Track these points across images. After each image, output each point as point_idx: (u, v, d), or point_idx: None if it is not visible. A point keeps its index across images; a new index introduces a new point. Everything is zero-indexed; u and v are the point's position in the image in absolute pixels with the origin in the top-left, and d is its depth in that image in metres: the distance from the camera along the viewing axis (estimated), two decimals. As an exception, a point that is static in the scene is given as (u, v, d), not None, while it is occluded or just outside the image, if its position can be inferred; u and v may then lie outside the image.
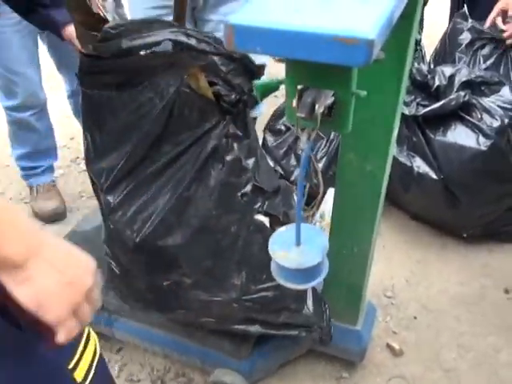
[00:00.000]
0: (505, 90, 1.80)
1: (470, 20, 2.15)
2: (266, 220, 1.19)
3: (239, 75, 1.03)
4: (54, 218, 2.21)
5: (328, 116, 0.63)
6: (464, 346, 1.66)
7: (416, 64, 1.95)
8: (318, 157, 1.91)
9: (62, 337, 0.60)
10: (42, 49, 2.07)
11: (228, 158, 1.12)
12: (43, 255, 0.58)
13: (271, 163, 1.86)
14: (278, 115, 2.01)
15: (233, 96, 1.04)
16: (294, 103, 0.60)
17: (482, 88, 1.84)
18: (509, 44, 2.04)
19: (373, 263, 1.38)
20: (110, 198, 1.18)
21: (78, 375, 0.83)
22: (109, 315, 1.55)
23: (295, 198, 1.31)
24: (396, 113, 1.03)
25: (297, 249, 0.79)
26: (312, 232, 0.82)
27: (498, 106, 1.77)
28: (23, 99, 2.00)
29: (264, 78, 1.08)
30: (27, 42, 1.90)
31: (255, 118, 1.90)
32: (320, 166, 1.87)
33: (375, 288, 1.81)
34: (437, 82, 1.87)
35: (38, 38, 2.01)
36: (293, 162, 1.85)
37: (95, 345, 0.93)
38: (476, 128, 1.76)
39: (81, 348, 0.87)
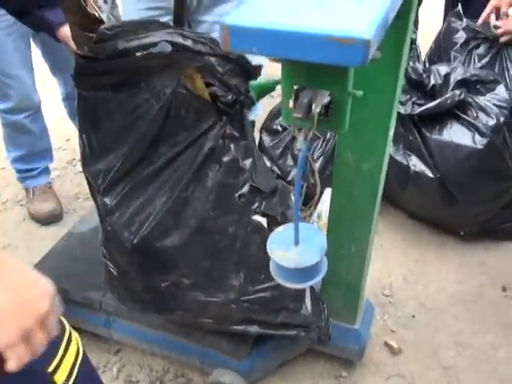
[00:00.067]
0: (500, 89, 1.81)
1: (464, 19, 2.16)
2: (263, 220, 1.19)
3: (236, 76, 1.02)
4: (50, 219, 2.21)
5: (325, 116, 0.63)
6: (462, 344, 1.67)
7: (411, 63, 1.95)
8: (315, 157, 1.91)
9: (12, 365, 0.56)
10: (36, 52, 2.07)
11: (225, 158, 1.12)
12: None
13: (268, 163, 1.86)
14: (274, 115, 2.01)
15: (229, 97, 1.03)
16: (291, 104, 0.60)
17: (478, 87, 1.84)
18: (503, 41, 2.04)
19: (370, 262, 1.38)
20: (107, 200, 1.18)
21: (59, 378, 0.82)
22: (107, 316, 1.55)
23: (292, 198, 1.31)
24: (392, 112, 1.03)
25: (295, 248, 0.79)
26: (310, 231, 0.82)
27: (494, 104, 1.77)
28: (17, 102, 1.99)
29: (260, 79, 1.08)
30: (20, 44, 1.90)
31: (253, 122, 1.90)
32: (317, 165, 1.87)
33: (373, 287, 1.81)
34: (432, 81, 1.87)
35: (32, 41, 2.00)
36: (289, 162, 1.85)
37: (78, 345, 0.92)
38: (472, 126, 1.76)
39: (61, 351, 0.86)
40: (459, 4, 2.27)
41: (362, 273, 1.34)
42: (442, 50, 2.18)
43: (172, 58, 1.05)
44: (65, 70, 2.07)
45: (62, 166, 2.60)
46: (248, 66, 1.03)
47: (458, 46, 2.09)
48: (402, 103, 1.88)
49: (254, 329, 1.33)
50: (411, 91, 1.92)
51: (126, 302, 1.40)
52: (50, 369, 0.81)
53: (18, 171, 2.24)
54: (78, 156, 2.63)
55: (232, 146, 1.13)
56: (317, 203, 1.47)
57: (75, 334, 0.94)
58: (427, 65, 2.15)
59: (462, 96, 1.78)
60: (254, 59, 1.06)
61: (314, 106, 0.58)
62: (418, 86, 1.93)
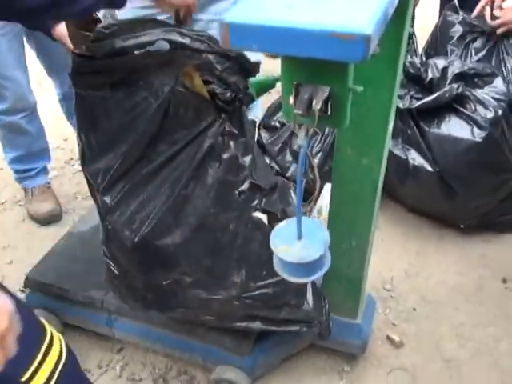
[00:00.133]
0: (498, 82, 1.81)
1: (460, 12, 2.15)
2: (264, 217, 1.19)
3: (234, 73, 1.02)
4: (49, 219, 2.20)
5: (325, 112, 0.63)
6: (464, 337, 1.67)
7: (409, 57, 1.95)
8: (314, 152, 1.91)
9: None
10: (30, 51, 2.06)
11: (225, 156, 1.12)
12: None
13: (267, 160, 1.86)
14: (272, 112, 2.01)
15: (228, 94, 1.03)
16: (291, 100, 0.60)
17: (475, 80, 1.84)
18: (500, 33, 2.04)
19: (371, 256, 1.38)
20: (107, 199, 1.18)
21: None
22: (109, 315, 1.55)
23: (292, 194, 1.31)
24: (391, 106, 1.03)
25: (298, 243, 0.79)
26: (313, 226, 0.82)
27: (492, 97, 1.77)
28: (12, 102, 1.98)
29: (259, 75, 1.08)
30: (13, 44, 1.89)
31: (254, 121, 1.89)
32: (316, 161, 1.87)
33: (374, 281, 1.82)
34: (430, 75, 1.87)
35: (26, 42, 2.00)
36: (288, 158, 1.85)
37: (60, 348, 0.93)
38: (470, 120, 1.76)
39: (40, 356, 0.86)
40: (455, -3, 2.27)
41: (362, 267, 1.34)
42: (438, 43, 2.17)
43: (170, 56, 1.04)
44: (61, 71, 2.06)
45: (60, 166, 2.60)
46: (247, 64, 1.03)
47: (455, 39, 2.09)
48: (400, 97, 1.88)
49: (256, 325, 1.33)
50: (409, 85, 1.92)
51: (127, 301, 1.40)
52: (25, 377, 0.82)
53: (16, 172, 2.24)
54: (76, 155, 2.64)
55: (231, 143, 1.13)
56: (317, 199, 1.47)
57: (58, 337, 0.94)
58: (424, 58, 2.15)
59: (460, 89, 1.78)
60: (253, 56, 1.06)
61: (314, 102, 0.58)
62: (415, 80, 1.93)
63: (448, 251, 1.99)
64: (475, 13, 2.09)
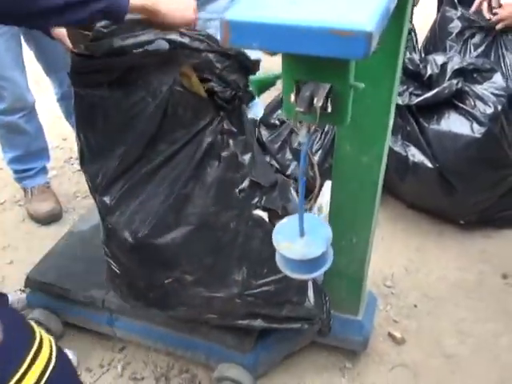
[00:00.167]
0: (497, 77, 1.81)
1: (459, 8, 2.15)
2: (264, 215, 1.19)
3: (234, 72, 1.02)
4: (49, 219, 2.20)
5: (325, 109, 0.62)
6: (464, 332, 1.67)
7: (408, 53, 1.95)
8: (314, 150, 1.91)
9: None
10: (28, 50, 2.05)
11: (224, 154, 1.12)
12: None
13: (267, 158, 1.85)
14: (271, 109, 2.00)
15: (228, 92, 1.03)
16: (292, 98, 0.60)
17: (475, 75, 1.84)
18: (499, 28, 2.04)
19: (371, 253, 1.38)
20: (107, 199, 1.18)
21: None
22: (110, 314, 1.55)
23: (292, 191, 1.31)
24: (391, 103, 1.03)
25: (301, 240, 0.79)
26: (315, 222, 0.82)
27: (491, 92, 1.77)
28: (11, 102, 1.98)
29: (259, 73, 1.08)
30: (11, 44, 1.88)
31: (255, 120, 1.89)
32: (316, 158, 1.87)
33: (375, 277, 1.82)
34: (429, 71, 1.87)
35: (25, 43, 1.99)
36: (288, 156, 1.84)
37: (50, 350, 0.94)
38: (470, 115, 1.76)
39: (28, 360, 0.87)
40: (454, -7, 2.27)
41: (363, 264, 1.34)
42: (437, 39, 2.17)
43: (168, 55, 1.04)
44: (60, 70, 2.05)
45: (59, 165, 2.59)
46: (247, 62, 1.03)
47: (454, 35, 2.09)
48: (399, 94, 1.87)
49: (257, 323, 1.33)
50: (408, 82, 1.92)
51: (128, 300, 1.40)
52: (14, 380, 0.83)
53: (15, 172, 2.23)
54: (76, 154, 2.63)
55: (230, 141, 1.13)
56: (317, 196, 1.47)
57: (48, 340, 0.95)
58: (422, 55, 2.15)
59: (460, 85, 1.78)
60: (252, 54, 1.05)
61: (315, 100, 0.58)
62: (414, 77, 1.93)
63: (448, 247, 1.99)
64: (474, 8, 2.09)
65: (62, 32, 1.37)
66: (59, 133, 2.73)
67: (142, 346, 1.63)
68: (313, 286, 1.35)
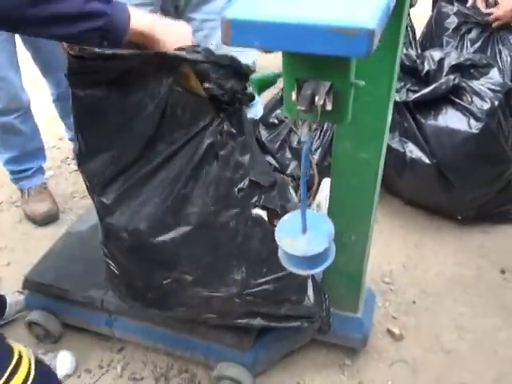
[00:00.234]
0: (494, 73, 1.81)
1: (455, 3, 2.15)
2: (263, 213, 1.18)
3: (230, 78, 1.01)
4: (46, 220, 2.19)
5: (326, 107, 0.62)
6: (463, 328, 1.68)
7: (404, 49, 1.95)
8: (313, 148, 1.91)
9: None
10: (22, 51, 2.04)
11: (223, 154, 1.11)
12: None
13: (266, 157, 1.84)
14: (269, 108, 2.00)
15: (226, 97, 1.03)
16: (294, 96, 0.60)
17: (472, 71, 1.84)
18: (495, 26, 2.05)
19: (370, 250, 1.38)
20: (105, 199, 1.17)
21: None
22: (109, 315, 1.54)
23: (291, 190, 1.31)
24: (389, 100, 1.03)
25: (303, 236, 0.79)
26: (317, 218, 0.82)
27: (488, 88, 1.77)
28: (6, 103, 1.97)
29: (256, 73, 1.07)
30: (5, 45, 1.87)
31: (255, 120, 1.89)
32: (315, 157, 1.87)
33: (373, 274, 1.82)
34: (426, 67, 1.87)
35: (22, 44, 1.98)
36: (288, 155, 1.84)
37: (28, 368, 0.97)
38: (467, 111, 1.77)
39: (4, 378, 0.90)
40: (450, -12, 2.27)
41: (362, 261, 1.34)
42: (433, 35, 2.18)
43: (165, 59, 1.03)
44: (56, 71, 2.05)
45: (56, 165, 2.58)
46: (240, 69, 1.02)
47: (450, 31, 2.09)
48: (397, 90, 1.87)
49: (257, 322, 1.33)
50: (405, 78, 1.92)
51: (127, 300, 1.39)
52: None
53: (12, 172, 2.22)
54: (72, 154, 2.62)
55: (230, 141, 1.12)
56: (315, 193, 1.47)
57: (27, 358, 0.98)
58: (419, 51, 2.15)
59: (457, 81, 1.78)
60: (243, 58, 1.04)
61: (317, 98, 0.58)
62: (412, 73, 1.93)
63: (446, 243, 1.99)
64: (469, 3, 2.10)
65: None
66: (55, 132, 2.71)
67: (141, 346, 1.62)
68: (312, 284, 1.35)
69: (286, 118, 1.81)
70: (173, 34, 1.01)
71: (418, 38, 2.32)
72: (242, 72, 1.04)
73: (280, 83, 0.96)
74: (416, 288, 1.82)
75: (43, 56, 2.05)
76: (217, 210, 1.13)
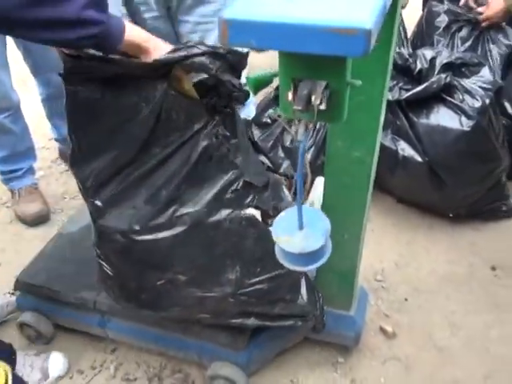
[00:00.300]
0: (484, 71, 1.82)
1: (445, 2, 2.17)
2: (257, 213, 1.18)
3: (226, 71, 1.01)
4: (37, 220, 2.17)
5: (321, 107, 0.62)
6: (455, 325, 1.69)
7: (397, 48, 1.95)
8: (306, 147, 1.91)
9: None
10: (13, 50, 2.02)
11: (218, 156, 1.11)
12: None
13: (259, 156, 1.84)
14: (262, 108, 2.00)
15: (223, 99, 1.03)
16: (290, 96, 0.60)
17: (463, 69, 1.86)
18: (485, 26, 2.06)
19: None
20: (98, 201, 1.16)
21: None
22: (101, 316, 1.54)
23: (285, 190, 1.31)
24: (382, 99, 1.03)
25: (300, 233, 0.79)
26: (313, 215, 0.83)
27: (479, 86, 1.79)
28: None
29: (254, 72, 1.06)
30: None
31: (248, 121, 1.88)
32: (308, 156, 1.87)
33: (365, 272, 1.83)
34: (418, 66, 1.88)
35: (13, 43, 1.96)
36: (281, 154, 1.84)
37: (5, 380, 0.98)
38: (458, 109, 1.78)
39: None
40: (440, -13, 2.28)
41: (355, 260, 1.35)
42: (424, 34, 2.19)
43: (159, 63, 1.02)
44: (47, 71, 2.03)
45: (46, 166, 2.56)
46: (235, 57, 1.01)
47: (441, 29, 2.10)
48: (389, 89, 1.88)
49: (251, 321, 1.33)
50: (398, 76, 1.93)
51: (120, 302, 1.38)
52: None
53: (2, 173, 2.20)
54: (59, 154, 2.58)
55: (224, 143, 1.12)
56: (308, 192, 1.47)
57: (4, 371, 0.98)
58: (410, 50, 2.16)
59: (448, 79, 1.79)
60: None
61: (313, 98, 0.57)
62: (404, 71, 1.93)
63: (438, 240, 2.01)
64: (462, 2, 2.11)
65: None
66: (45, 133, 2.69)
67: (134, 346, 1.61)
68: (306, 283, 1.35)
69: (278, 117, 1.81)
70: (165, 48, 1.04)
71: (409, 37, 2.34)
72: (236, 64, 1.04)
73: (273, 82, 0.97)
74: (408, 286, 1.83)
75: (34, 56, 2.03)
76: (211, 210, 1.13)
